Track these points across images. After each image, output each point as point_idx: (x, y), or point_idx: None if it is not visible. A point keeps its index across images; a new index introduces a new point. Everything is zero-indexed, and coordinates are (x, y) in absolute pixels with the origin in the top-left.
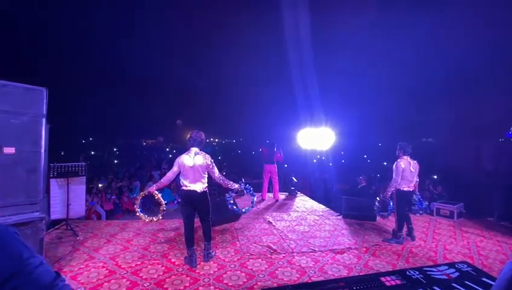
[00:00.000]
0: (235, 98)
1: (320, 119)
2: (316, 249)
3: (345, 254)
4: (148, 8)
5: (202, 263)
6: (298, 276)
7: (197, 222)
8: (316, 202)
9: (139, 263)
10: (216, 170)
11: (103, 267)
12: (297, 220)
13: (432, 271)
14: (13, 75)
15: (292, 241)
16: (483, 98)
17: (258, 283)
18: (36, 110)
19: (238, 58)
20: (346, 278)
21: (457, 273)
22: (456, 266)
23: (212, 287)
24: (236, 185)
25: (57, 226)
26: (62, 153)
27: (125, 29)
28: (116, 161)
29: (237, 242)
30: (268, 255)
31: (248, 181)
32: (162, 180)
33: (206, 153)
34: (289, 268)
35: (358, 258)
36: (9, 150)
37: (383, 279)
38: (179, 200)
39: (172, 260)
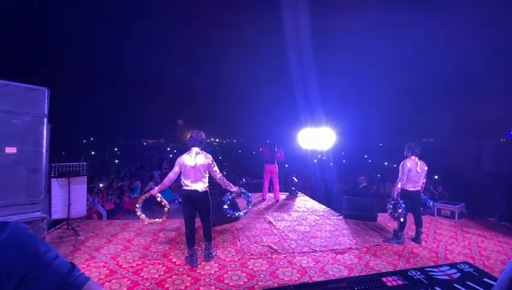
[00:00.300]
0: (236, 98)
1: (321, 119)
2: (317, 249)
3: (346, 254)
4: (148, 8)
5: (203, 263)
6: (299, 276)
7: (197, 221)
8: (317, 202)
9: (140, 262)
10: (217, 170)
11: (104, 266)
12: (298, 220)
13: (433, 272)
14: (14, 75)
15: (293, 241)
16: (484, 98)
17: (259, 283)
18: (38, 110)
19: (238, 58)
20: (347, 278)
21: (458, 274)
22: (458, 266)
23: (213, 287)
24: (235, 188)
25: (58, 226)
26: (63, 153)
27: (125, 29)
28: (117, 161)
29: (238, 242)
30: (269, 255)
31: (249, 181)
32: (163, 181)
33: (207, 153)
34: (290, 268)
35: (359, 259)
36: (11, 150)
37: (384, 279)
38: (180, 200)
39: (173, 260)
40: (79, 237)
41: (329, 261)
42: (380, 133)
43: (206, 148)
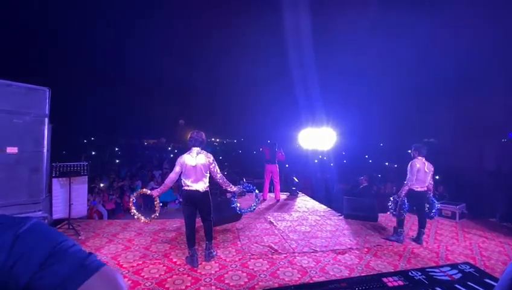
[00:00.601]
0: (236, 98)
1: (321, 119)
2: (318, 249)
3: (347, 255)
4: (148, 8)
5: (203, 263)
6: (299, 276)
7: (198, 221)
8: (317, 202)
9: (140, 262)
10: (218, 170)
11: None
12: (298, 220)
13: (434, 272)
14: (15, 75)
15: (293, 242)
16: (485, 98)
17: (260, 283)
18: (39, 110)
19: (239, 58)
20: (348, 278)
21: (460, 275)
22: (459, 267)
23: (213, 287)
24: (235, 188)
25: (59, 226)
26: (64, 153)
27: (125, 29)
28: (117, 161)
29: (238, 242)
30: (270, 255)
31: (249, 181)
32: (165, 182)
33: (207, 152)
34: (290, 268)
35: (360, 259)
36: (12, 150)
37: (385, 280)
38: (181, 199)
39: (174, 260)
40: (80, 237)
41: (329, 261)
42: (381, 133)
43: (206, 148)
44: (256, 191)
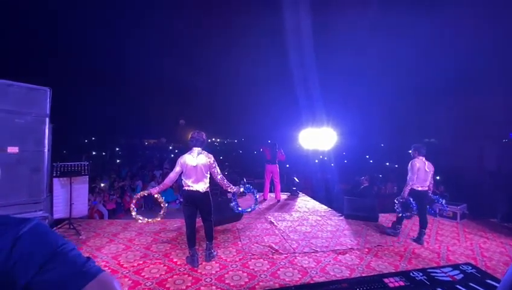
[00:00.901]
0: (236, 98)
1: (322, 119)
2: (318, 249)
3: (347, 255)
4: (148, 8)
5: (204, 263)
6: (300, 276)
7: (198, 221)
8: (318, 203)
9: (141, 262)
10: (218, 170)
11: (105, 266)
12: (299, 220)
13: (435, 273)
14: (15, 76)
15: (294, 242)
16: (485, 98)
17: (260, 283)
18: (40, 109)
19: (239, 58)
20: (348, 279)
21: (461, 275)
22: (460, 267)
23: (214, 287)
24: (235, 188)
25: (59, 225)
26: (64, 152)
27: (125, 29)
28: (118, 161)
29: (239, 242)
30: (270, 256)
31: (250, 181)
32: (164, 181)
33: (208, 153)
34: (291, 268)
35: (361, 259)
36: (13, 150)
37: (386, 280)
38: (181, 199)
39: (174, 260)
40: (80, 237)
41: (330, 261)
42: (381, 133)
43: (207, 148)
44: (256, 196)
